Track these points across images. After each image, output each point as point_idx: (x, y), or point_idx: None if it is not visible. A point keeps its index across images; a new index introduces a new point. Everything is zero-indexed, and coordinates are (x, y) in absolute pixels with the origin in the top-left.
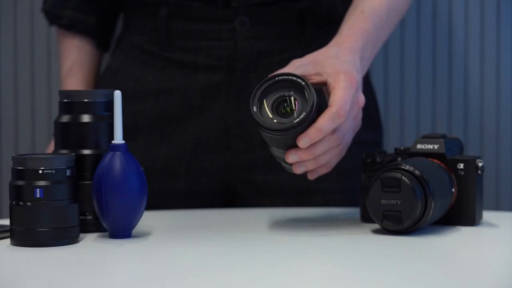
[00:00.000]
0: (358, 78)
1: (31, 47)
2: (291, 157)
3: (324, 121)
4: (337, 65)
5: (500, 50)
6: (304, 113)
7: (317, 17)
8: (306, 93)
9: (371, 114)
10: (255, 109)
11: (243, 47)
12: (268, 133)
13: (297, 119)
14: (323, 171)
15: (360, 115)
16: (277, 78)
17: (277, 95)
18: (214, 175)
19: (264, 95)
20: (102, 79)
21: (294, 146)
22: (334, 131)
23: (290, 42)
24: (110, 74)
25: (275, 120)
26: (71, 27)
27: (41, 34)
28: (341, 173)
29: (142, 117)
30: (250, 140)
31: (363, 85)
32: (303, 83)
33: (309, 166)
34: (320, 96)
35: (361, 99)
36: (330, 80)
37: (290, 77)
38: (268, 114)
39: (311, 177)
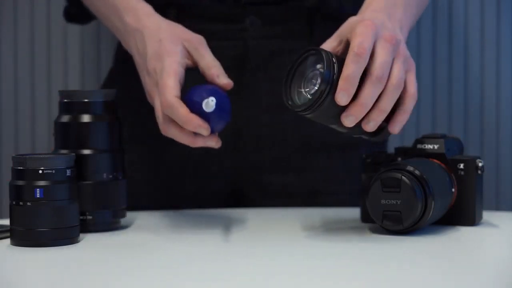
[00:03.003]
0: (380, 21)
1: (31, 47)
2: (348, 120)
3: (348, 68)
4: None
5: (500, 50)
6: (319, 86)
7: (326, 16)
8: (324, 63)
9: None
10: (290, 102)
11: (253, 46)
12: (305, 114)
13: (312, 92)
14: (379, 116)
15: (406, 51)
16: (298, 60)
17: (306, 74)
18: (222, 176)
19: (295, 79)
20: (108, 82)
21: (339, 112)
22: (372, 72)
23: (300, 41)
24: (116, 76)
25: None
26: None
27: (41, 34)
28: (349, 173)
29: (150, 119)
30: (258, 141)
31: None
32: (323, 53)
33: (358, 114)
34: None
35: (388, 33)
36: (349, 36)
37: (308, 52)
38: (305, 96)
39: (370, 128)
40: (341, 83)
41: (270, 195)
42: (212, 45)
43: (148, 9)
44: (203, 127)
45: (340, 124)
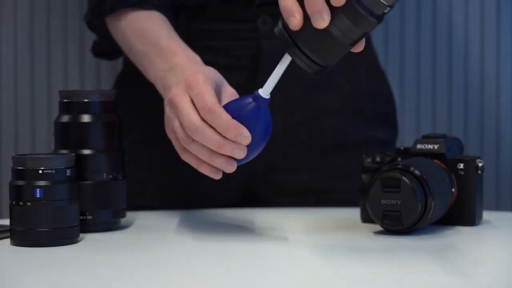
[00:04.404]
0: None
1: (31, 47)
2: (318, 20)
3: None
4: None
5: (500, 50)
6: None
7: None
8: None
9: (389, 113)
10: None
11: (266, 46)
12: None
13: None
14: None
15: None
16: None
17: None
18: (234, 176)
19: None
20: (119, 83)
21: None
22: None
23: None
24: (128, 78)
25: None
26: (144, 3)
27: (41, 34)
28: (359, 171)
29: (163, 120)
30: (270, 141)
31: (380, 85)
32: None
33: (316, 7)
34: None
35: None
36: None
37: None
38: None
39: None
40: (308, 8)
41: (283, 194)
42: (223, 45)
43: (199, 58)
44: (245, 134)
45: (342, 37)
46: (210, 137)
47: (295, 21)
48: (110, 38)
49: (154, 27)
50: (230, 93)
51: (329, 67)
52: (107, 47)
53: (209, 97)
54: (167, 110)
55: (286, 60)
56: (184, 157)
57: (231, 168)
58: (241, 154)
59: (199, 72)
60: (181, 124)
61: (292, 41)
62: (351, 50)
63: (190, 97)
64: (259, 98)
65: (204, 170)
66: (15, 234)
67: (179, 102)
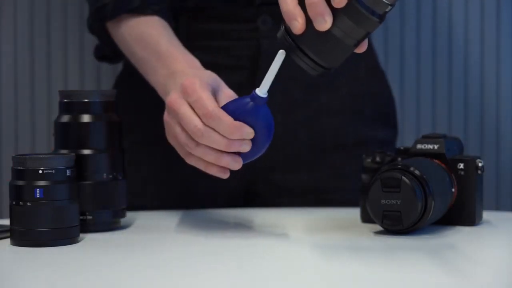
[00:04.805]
0: None
1: (31, 47)
2: (320, 23)
3: None
4: None
5: (500, 50)
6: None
7: None
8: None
9: (389, 113)
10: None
11: (266, 46)
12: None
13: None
14: None
15: None
16: None
17: None
18: (235, 175)
19: None
20: (119, 83)
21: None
22: None
23: None
24: (128, 78)
25: None
26: (144, 9)
27: (41, 34)
28: (359, 171)
29: (163, 120)
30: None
31: (380, 85)
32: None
33: (319, 10)
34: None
35: None
36: None
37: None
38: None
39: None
40: (310, 11)
41: (283, 194)
42: (223, 45)
43: (199, 63)
44: (248, 131)
45: (345, 38)
46: (217, 139)
47: (297, 25)
48: (112, 43)
49: (155, 32)
50: (228, 95)
51: (333, 69)
52: (109, 52)
53: (209, 103)
54: (166, 116)
55: (280, 57)
56: (190, 161)
57: (237, 165)
58: (247, 147)
59: (194, 77)
60: (183, 129)
61: (296, 44)
62: (355, 51)
63: (188, 103)
64: (256, 97)
65: (212, 171)
66: (15, 234)
67: (179, 108)
